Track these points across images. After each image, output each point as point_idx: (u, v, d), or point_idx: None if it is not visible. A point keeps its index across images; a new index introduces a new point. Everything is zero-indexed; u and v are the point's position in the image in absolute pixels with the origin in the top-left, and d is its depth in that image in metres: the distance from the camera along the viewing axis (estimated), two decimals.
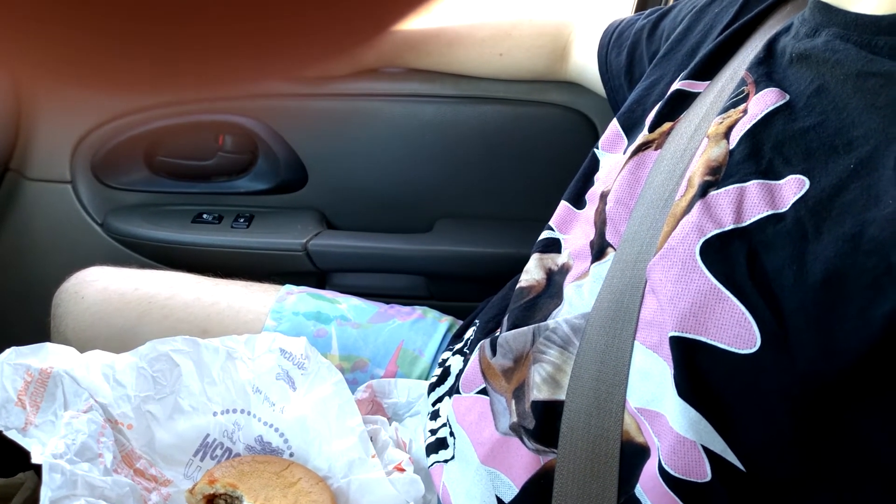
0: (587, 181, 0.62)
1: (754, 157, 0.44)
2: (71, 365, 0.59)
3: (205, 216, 1.00)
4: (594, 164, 0.63)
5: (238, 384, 0.64)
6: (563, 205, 0.63)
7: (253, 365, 0.65)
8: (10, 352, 0.57)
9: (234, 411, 0.64)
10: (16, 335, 0.67)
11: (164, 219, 1.00)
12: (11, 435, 0.54)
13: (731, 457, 0.40)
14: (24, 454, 0.55)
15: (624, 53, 0.75)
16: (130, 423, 0.59)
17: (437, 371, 0.68)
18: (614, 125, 0.63)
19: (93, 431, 0.55)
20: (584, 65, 0.85)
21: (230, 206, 1.02)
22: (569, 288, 0.55)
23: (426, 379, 0.72)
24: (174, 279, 0.80)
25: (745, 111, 0.47)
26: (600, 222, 0.55)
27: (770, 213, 0.41)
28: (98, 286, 0.77)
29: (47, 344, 0.60)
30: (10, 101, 0.93)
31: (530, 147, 0.96)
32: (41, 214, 1.02)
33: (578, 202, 0.62)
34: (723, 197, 0.43)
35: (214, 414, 0.63)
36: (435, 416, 0.62)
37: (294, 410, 0.63)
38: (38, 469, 0.90)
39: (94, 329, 0.75)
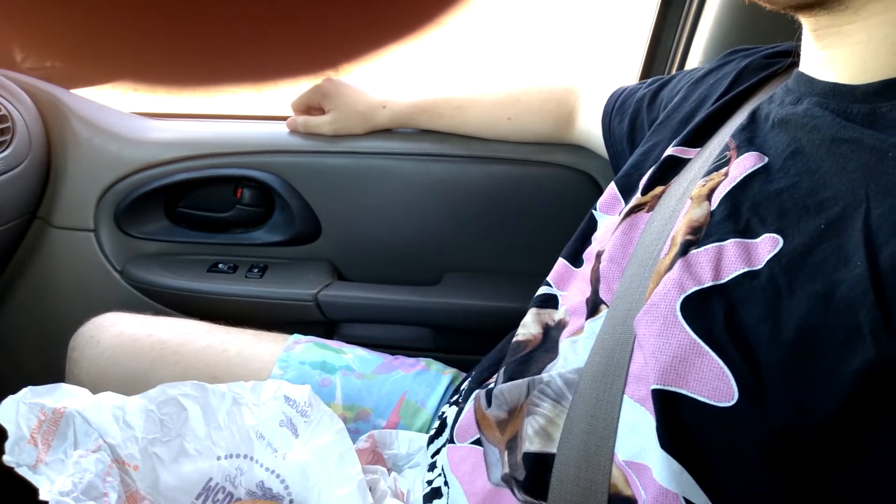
0: (585, 241, 0.64)
1: (733, 217, 0.45)
2: (83, 405, 0.61)
3: (220, 266, 1.03)
4: (592, 225, 0.65)
5: (243, 430, 0.66)
6: (561, 262, 0.64)
7: (258, 411, 0.66)
8: (27, 391, 0.59)
9: (238, 456, 0.65)
10: (33, 376, 0.69)
11: (181, 267, 1.03)
12: (22, 472, 0.56)
13: None
14: (31, 492, 0.56)
15: (626, 120, 0.78)
16: (136, 463, 0.60)
17: (436, 424, 0.69)
18: (612, 188, 0.65)
19: (100, 471, 0.56)
20: (589, 130, 0.88)
21: (245, 256, 1.05)
22: (564, 343, 0.56)
23: (427, 431, 0.73)
24: (187, 326, 0.82)
25: (726, 174, 0.49)
26: (594, 280, 0.56)
27: (746, 269, 0.42)
28: (113, 331, 0.80)
29: (62, 384, 0.62)
30: (41, 153, 0.98)
31: (537, 205, 0.99)
32: (63, 261, 1.05)
33: (576, 260, 0.64)
34: (702, 255, 0.45)
35: (218, 458, 0.65)
36: (432, 467, 0.63)
37: (295, 457, 0.64)
38: None
39: (108, 373, 0.77)
